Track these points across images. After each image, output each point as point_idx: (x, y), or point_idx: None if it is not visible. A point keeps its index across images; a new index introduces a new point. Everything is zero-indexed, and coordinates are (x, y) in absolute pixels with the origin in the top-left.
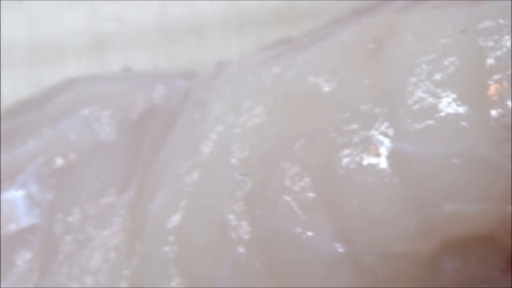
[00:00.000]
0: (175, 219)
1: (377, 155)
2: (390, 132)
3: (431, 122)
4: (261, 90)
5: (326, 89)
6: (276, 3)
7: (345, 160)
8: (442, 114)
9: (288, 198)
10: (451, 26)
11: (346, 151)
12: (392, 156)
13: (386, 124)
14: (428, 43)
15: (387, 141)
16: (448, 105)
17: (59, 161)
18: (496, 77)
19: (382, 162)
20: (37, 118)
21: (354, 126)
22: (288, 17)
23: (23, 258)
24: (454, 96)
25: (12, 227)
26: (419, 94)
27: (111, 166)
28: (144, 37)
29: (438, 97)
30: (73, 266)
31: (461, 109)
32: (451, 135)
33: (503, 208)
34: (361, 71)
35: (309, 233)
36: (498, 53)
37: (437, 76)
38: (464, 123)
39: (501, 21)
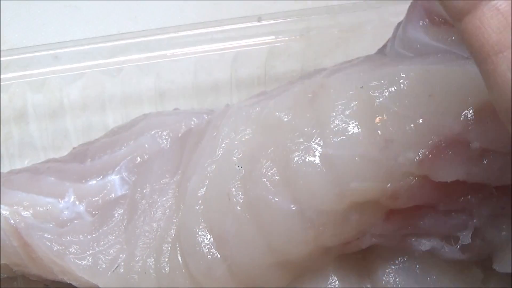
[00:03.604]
0: (201, 191)
1: (314, 156)
2: (321, 143)
3: (343, 137)
4: (249, 120)
5: (285, 119)
6: (258, 72)
7: (296, 159)
8: (349, 133)
9: (264, 179)
10: (355, 84)
11: (296, 154)
12: (322, 156)
13: (318, 139)
14: (342, 94)
15: (319, 148)
16: (353, 128)
17: (138, 159)
18: (379, 112)
19: (316, 160)
20: (127, 136)
21: (301, 140)
22: (264, 81)
23: (118, 212)
24: (356, 123)
25: (112, 195)
26: (337, 122)
27: (167, 162)
28: (186, 92)
29: (347, 123)
30: (146, 217)
31: (360, 130)
32: (354, 144)
33: (383, 185)
34: (305, 109)
35: (276, 199)
36: (380, 99)
37: (347, 112)
38: (361, 138)
39: (382, 81)
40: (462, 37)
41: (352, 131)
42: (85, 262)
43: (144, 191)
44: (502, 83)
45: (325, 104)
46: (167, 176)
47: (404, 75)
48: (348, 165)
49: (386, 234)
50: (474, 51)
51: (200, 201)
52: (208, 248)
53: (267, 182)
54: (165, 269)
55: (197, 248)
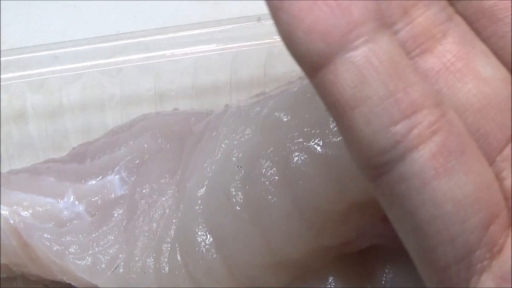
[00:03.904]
0: (201, 191)
1: (313, 156)
2: (321, 143)
3: (338, 139)
4: (249, 119)
5: (285, 119)
6: (257, 73)
7: (295, 159)
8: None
9: (263, 179)
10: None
11: (296, 153)
12: (322, 156)
13: (318, 139)
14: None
15: (319, 148)
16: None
17: (138, 159)
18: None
19: (316, 160)
20: (126, 136)
21: (300, 140)
22: (263, 81)
23: (117, 212)
24: None
25: (112, 195)
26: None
27: (166, 162)
28: (185, 92)
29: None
30: (145, 217)
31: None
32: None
33: None
34: (305, 109)
35: (275, 199)
36: None
37: None
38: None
39: None
40: (318, 92)
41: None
42: (84, 262)
43: (144, 191)
44: (359, 139)
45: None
46: (166, 176)
47: None
48: (348, 165)
49: (386, 234)
50: (330, 107)
51: (199, 201)
52: (207, 248)
53: (267, 182)
54: (164, 269)
55: (197, 248)
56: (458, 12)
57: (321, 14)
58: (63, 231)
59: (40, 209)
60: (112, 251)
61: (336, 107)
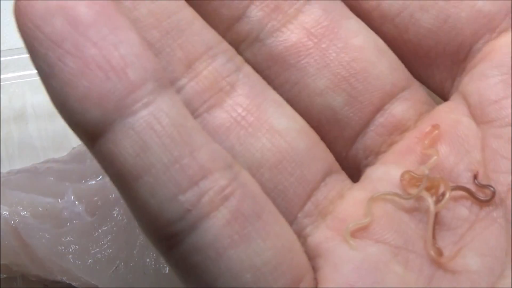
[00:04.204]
0: None
1: None
2: None
3: None
4: None
5: None
6: None
7: None
8: None
9: None
10: None
11: None
12: None
13: None
14: None
15: None
16: None
17: None
18: None
19: None
20: None
21: None
22: None
23: (118, 212)
24: None
25: (112, 195)
26: None
27: None
28: None
29: None
30: None
31: None
32: None
33: None
34: None
35: None
36: None
37: None
38: None
39: None
40: (98, 162)
41: None
42: (84, 262)
43: None
44: (146, 210)
45: None
46: None
47: None
48: None
49: None
50: (113, 178)
51: None
52: None
53: None
54: (164, 269)
55: None
56: (248, 60)
57: (95, 79)
58: (63, 231)
59: (40, 209)
60: (112, 251)
61: (118, 178)
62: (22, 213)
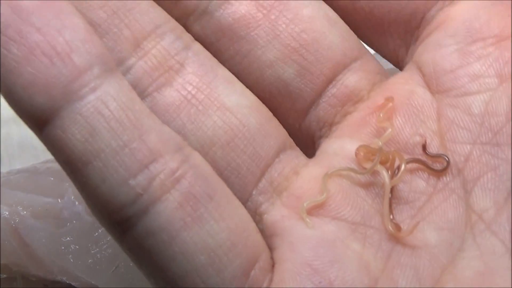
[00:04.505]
0: None
1: None
2: None
3: None
4: None
5: None
6: None
7: None
8: None
9: None
10: None
11: None
12: None
13: None
14: None
15: None
16: None
17: None
18: None
19: None
20: None
21: None
22: None
23: None
24: None
25: None
26: None
27: None
28: None
29: None
30: None
31: None
32: None
33: None
34: None
35: None
36: None
37: None
38: None
39: None
40: (48, 149)
41: None
42: (84, 262)
43: None
44: (97, 195)
45: None
46: None
47: None
48: None
49: None
50: (62, 165)
51: None
52: None
53: None
54: None
55: None
56: (197, 34)
57: (40, 65)
58: (63, 231)
59: (40, 209)
60: (112, 251)
61: (68, 164)
62: (22, 213)
